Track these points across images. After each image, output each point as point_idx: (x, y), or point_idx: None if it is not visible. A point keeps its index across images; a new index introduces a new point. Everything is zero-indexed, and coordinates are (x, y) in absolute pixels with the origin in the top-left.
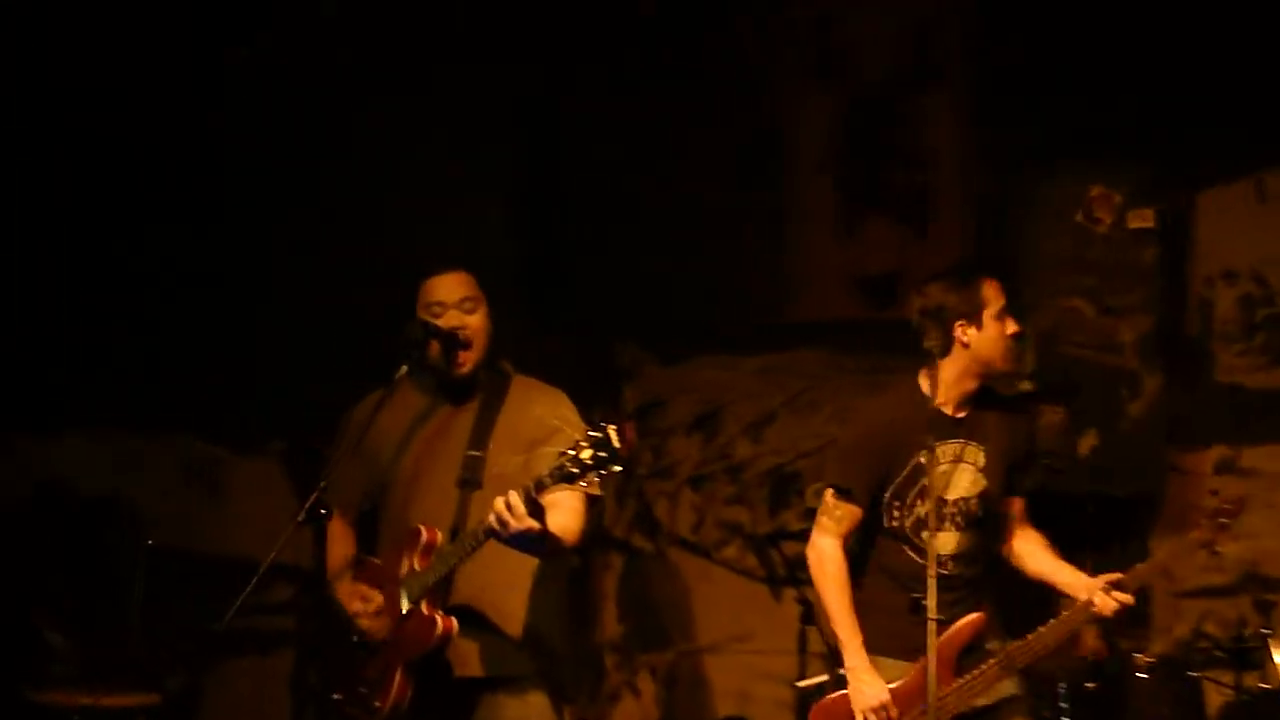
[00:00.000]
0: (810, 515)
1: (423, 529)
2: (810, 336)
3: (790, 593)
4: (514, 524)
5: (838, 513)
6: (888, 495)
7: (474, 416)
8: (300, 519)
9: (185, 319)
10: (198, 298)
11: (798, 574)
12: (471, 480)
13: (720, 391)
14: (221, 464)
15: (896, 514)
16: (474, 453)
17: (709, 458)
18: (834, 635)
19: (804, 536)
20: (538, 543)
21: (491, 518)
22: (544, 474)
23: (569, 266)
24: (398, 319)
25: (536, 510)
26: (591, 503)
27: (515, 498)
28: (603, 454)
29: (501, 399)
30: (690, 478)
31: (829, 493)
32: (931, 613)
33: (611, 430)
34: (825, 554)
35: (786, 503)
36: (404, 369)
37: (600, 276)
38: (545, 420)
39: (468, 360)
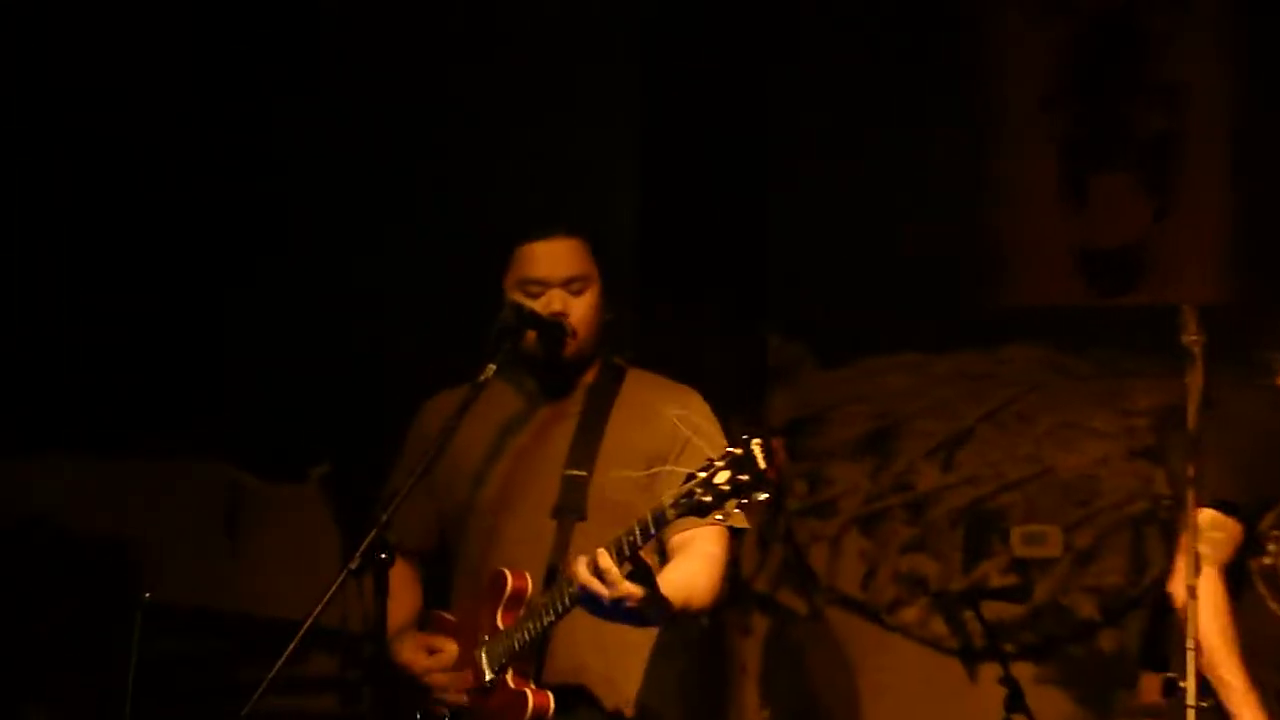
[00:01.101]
0: (1017, 567)
1: (508, 574)
2: (1021, 330)
3: (991, 670)
4: (607, 593)
5: (1218, 535)
6: (1266, 524)
7: (576, 424)
8: (354, 566)
9: (199, 316)
10: (216, 291)
11: (1001, 644)
12: (571, 508)
13: (900, 401)
14: (246, 494)
15: (1274, 548)
16: (575, 472)
17: (883, 489)
18: (1218, 685)
19: (1008, 595)
20: (648, 611)
21: (578, 584)
22: (665, 504)
23: (710, 235)
24: (479, 308)
25: (640, 570)
26: (734, 539)
27: (606, 557)
28: (743, 477)
29: (611, 401)
30: (858, 516)
31: (1206, 512)
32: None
33: (755, 445)
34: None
35: (986, 550)
36: (491, 369)
37: (749, 250)
38: (669, 429)
39: (571, 349)
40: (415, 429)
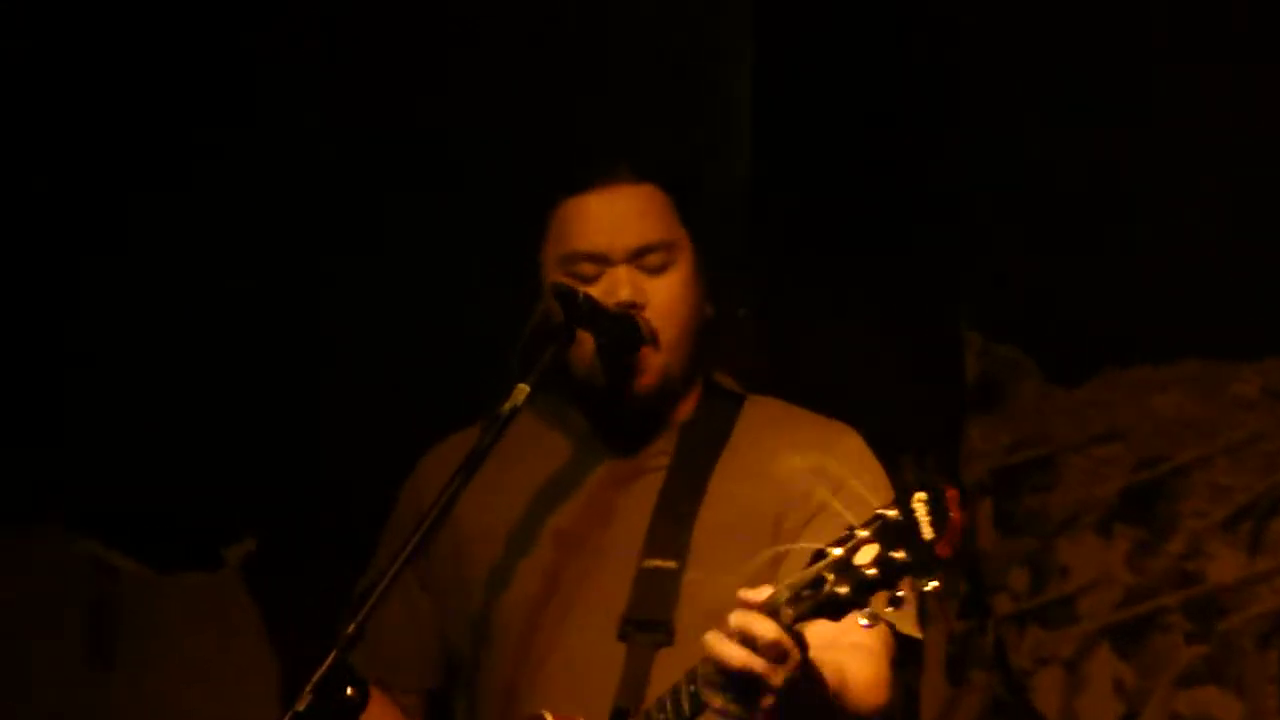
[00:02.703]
0: None
1: None
2: None
3: None
4: (772, 636)
5: None
6: None
7: (661, 486)
8: (302, 708)
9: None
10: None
11: None
12: (651, 621)
13: (1178, 439)
14: (123, 589)
15: None
16: (657, 563)
17: (1152, 583)
18: None
19: None
20: (799, 688)
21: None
22: (780, 600)
23: (865, 182)
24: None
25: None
26: (900, 647)
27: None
28: (898, 554)
29: (718, 448)
30: (1111, 626)
31: None
32: None
33: (919, 502)
34: None
35: None
36: (522, 391)
37: (930, 204)
38: (801, 486)
39: (651, 371)
40: (408, 495)
